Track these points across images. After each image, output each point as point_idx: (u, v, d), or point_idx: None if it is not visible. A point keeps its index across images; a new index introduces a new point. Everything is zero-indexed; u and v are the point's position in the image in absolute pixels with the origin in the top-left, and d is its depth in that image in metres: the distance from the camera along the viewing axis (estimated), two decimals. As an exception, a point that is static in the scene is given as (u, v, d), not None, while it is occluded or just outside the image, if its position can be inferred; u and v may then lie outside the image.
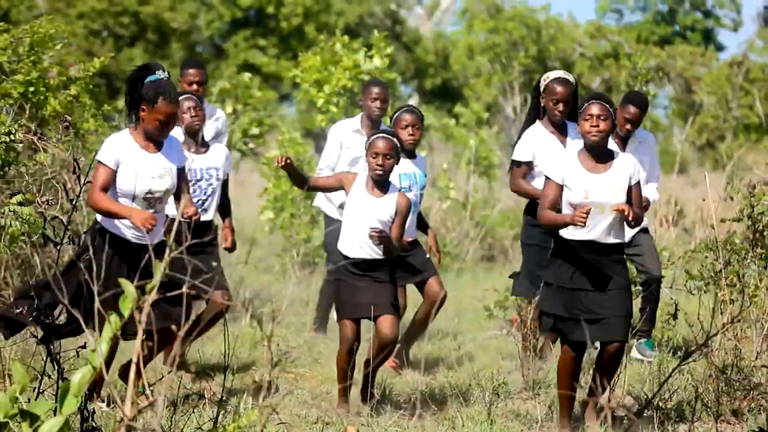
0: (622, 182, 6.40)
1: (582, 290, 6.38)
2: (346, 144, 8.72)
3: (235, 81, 14.68)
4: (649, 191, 8.59)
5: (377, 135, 6.92)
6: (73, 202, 5.72)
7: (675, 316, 8.48)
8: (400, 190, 7.03)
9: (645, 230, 8.61)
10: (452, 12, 38.99)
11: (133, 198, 6.44)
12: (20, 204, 7.22)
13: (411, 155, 7.92)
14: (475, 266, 13.55)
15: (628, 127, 8.37)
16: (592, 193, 6.37)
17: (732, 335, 7.05)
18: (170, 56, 31.93)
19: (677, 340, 8.67)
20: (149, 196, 6.45)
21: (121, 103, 16.46)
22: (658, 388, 6.64)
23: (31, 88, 8.36)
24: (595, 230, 6.37)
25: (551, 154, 7.82)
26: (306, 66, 12.27)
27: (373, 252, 6.85)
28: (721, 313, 7.11)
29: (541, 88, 7.81)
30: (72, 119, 8.54)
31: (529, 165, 7.89)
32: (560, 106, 7.72)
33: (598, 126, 6.36)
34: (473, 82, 28.84)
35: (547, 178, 6.49)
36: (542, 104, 7.84)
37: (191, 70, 8.44)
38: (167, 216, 6.77)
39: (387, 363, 7.53)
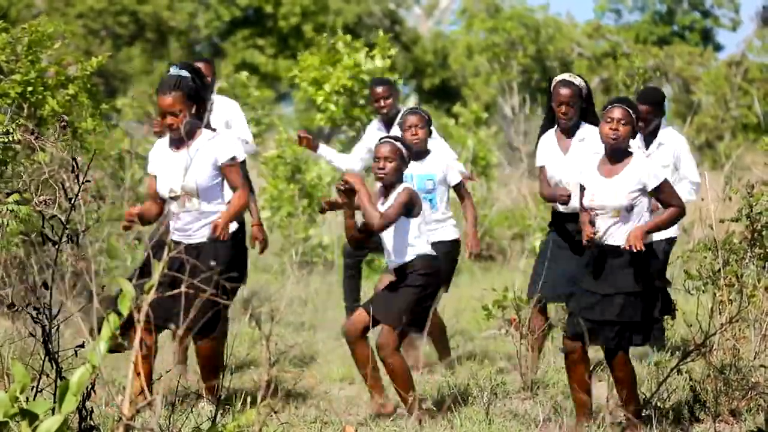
0: (627, 187, 6.36)
1: (590, 292, 6.39)
2: (371, 143, 8.82)
3: (232, 80, 14.69)
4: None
5: (382, 140, 6.95)
6: (72, 202, 5.72)
7: (673, 316, 8.47)
8: (407, 184, 7.04)
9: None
10: (451, 11, 39.00)
11: (165, 198, 6.67)
12: (17, 203, 7.21)
13: (421, 156, 7.93)
14: (473, 266, 13.54)
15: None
16: (597, 197, 6.39)
17: (730, 335, 7.05)
18: (168, 56, 31.93)
19: (675, 339, 8.67)
20: (173, 195, 6.57)
21: (119, 102, 16.51)
22: (657, 387, 6.64)
23: (30, 88, 8.36)
24: (601, 233, 6.38)
25: (552, 162, 7.81)
26: (304, 65, 12.28)
27: (397, 259, 6.88)
28: (720, 313, 7.11)
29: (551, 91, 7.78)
30: (70, 119, 8.54)
31: (543, 170, 7.91)
32: (562, 108, 7.65)
33: (617, 130, 6.37)
34: (472, 81, 28.84)
35: (579, 185, 6.57)
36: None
37: (199, 64, 8.60)
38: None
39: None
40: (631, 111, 6.40)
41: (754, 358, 7.06)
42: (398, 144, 6.89)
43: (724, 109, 24.45)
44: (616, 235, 6.36)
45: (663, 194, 6.39)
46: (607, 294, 6.35)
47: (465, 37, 29.82)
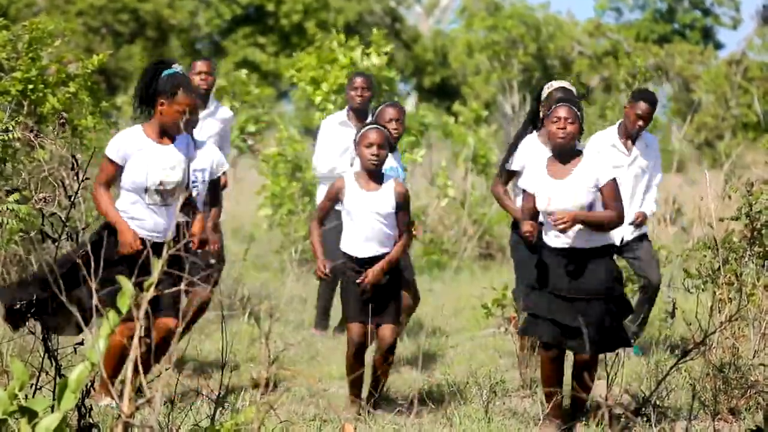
0: (584, 185, 6.34)
1: (562, 296, 6.36)
2: (335, 137, 8.78)
3: (232, 78, 14.69)
4: (647, 204, 8.54)
5: (369, 126, 6.91)
6: (71, 199, 5.72)
7: (673, 315, 8.48)
8: (396, 179, 7.03)
9: (644, 236, 8.54)
10: (451, 10, 39.01)
11: (146, 190, 6.45)
12: (17, 202, 7.22)
13: (392, 149, 7.93)
14: (473, 264, 13.54)
15: (639, 123, 8.37)
16: (554, 200, 6.34)
17: (729, 334, 7.05)
18: (169, 54, 31.92)
19: (675, 338, 8.67)
20: (161, 188, 6.47)
21: (119, 100, 16.52)
22: (656, 386, 6.65)
23: (30, 86, 8.36)
24: (565, 236, 6.35)
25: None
26: (302, 65, 12.30)
27: (380, 249, 6.85)
28: (719, 311, 7.11)
29: (543, 97, 7.55)
30: (70, 116, 8.55)
31: (519, 176, 7.81)
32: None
33: (565, 128, 6.35)
34: (472, 80, 28.84)
35: (523, 189, 6.54)
36: (541, 113, 7.56)
37: (199, 62, 8.64)
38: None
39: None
40: (576, 109, 6.39)
41: (754, 357, 7.06)
42: (387, 132, 6.91)
43: (725, 108, 24.47)
44: (581, 236, 6.35)
45: (606, 194, 6.34)
46: (580, 298, 6.33)
47: (465, 36, 29.82)
